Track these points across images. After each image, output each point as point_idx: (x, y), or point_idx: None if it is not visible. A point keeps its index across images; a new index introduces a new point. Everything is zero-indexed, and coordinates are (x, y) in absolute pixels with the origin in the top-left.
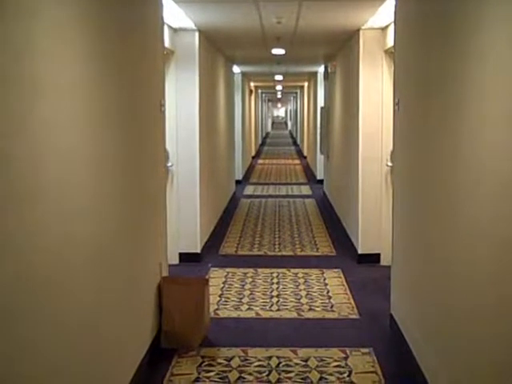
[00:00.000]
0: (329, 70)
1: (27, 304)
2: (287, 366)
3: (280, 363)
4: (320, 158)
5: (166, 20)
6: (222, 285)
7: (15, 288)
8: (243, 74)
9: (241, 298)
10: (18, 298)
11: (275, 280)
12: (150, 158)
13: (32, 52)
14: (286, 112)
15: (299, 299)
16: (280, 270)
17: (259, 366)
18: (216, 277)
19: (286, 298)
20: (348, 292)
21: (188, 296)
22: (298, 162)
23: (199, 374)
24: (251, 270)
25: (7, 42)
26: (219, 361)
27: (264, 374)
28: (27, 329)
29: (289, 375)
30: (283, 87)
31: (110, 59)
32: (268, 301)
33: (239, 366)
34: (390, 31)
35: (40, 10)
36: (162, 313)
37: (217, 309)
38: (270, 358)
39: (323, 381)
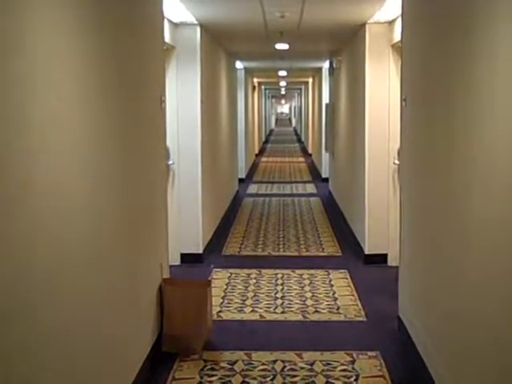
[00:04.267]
0: (334, 66)
1: (24, 307)
2: (292, 370)
3: (285, 367)
4: (325, 155)
5: (166, 14)
6: (225, 286)
7: (11, 291)
8: (246, 69)
9: (244, 300)
10: (14, 301)
11: (280, 281)
12: (150, 156)
13: (27, 48)
14: (290, 108)
15: (304, 301)
16: (284, 271)
17: (263, 370)
18: (219, 278)
19: (291, 300)
20: (354, 293)
21: (190, 298)
22: (302, 159)
23: (201, 378)
24: (255, 270)
25: (0, 38)
26: (222, 365)
27: (268, 379)
28: (24, 332)
29: (294, 379)
30: (287, 83)
31: (108, 54)
32: (272, 303)
33: (243, 370)
34: (397, 25)
35: (35, 4)
36: (163, 315)
37: (219, 311)
38: (274, 361)
39: None
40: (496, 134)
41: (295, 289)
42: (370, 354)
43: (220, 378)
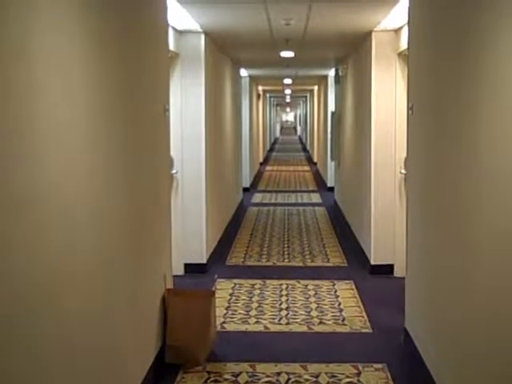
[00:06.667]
0: (340, 74)
1: (26, 315)
2: (297, 382)
3: (289, 379)
4: (331, 164)
5: (170, 22)
6: (229, 297)
7: (12, 302)
8: (251, 77)
9: (248, 311)
10: (16, 309)
11: (284, 292)
12: (154, 165)
13: (30, 55)
14: (296, 117)
15: (309, 312)
16: (289, 282)
17: (268, 382)
18: (223, 288)
19: (296, 311)
20: (360, 305)
21: (193, 309)
22: (307, 168)
23: None
24: (259, 281)
25: (3, 43)
26: (226, 376)
27: None
28: (27, 342)
29: None
30: (292, 91)
31: (112, 62)
32: (277, 314)
33: (247, 381)
34: (404, 33)
35: (39, 11)
36: (166, 326)
37: (223, 322)
38: (278, 373)
39: None
40: (506, 142)
41: (300, 300)
42: (376, 366)
43: None
